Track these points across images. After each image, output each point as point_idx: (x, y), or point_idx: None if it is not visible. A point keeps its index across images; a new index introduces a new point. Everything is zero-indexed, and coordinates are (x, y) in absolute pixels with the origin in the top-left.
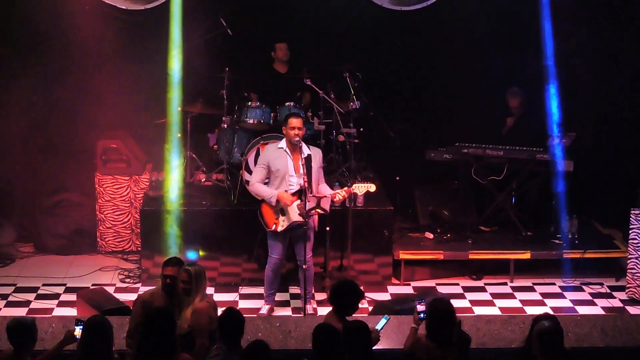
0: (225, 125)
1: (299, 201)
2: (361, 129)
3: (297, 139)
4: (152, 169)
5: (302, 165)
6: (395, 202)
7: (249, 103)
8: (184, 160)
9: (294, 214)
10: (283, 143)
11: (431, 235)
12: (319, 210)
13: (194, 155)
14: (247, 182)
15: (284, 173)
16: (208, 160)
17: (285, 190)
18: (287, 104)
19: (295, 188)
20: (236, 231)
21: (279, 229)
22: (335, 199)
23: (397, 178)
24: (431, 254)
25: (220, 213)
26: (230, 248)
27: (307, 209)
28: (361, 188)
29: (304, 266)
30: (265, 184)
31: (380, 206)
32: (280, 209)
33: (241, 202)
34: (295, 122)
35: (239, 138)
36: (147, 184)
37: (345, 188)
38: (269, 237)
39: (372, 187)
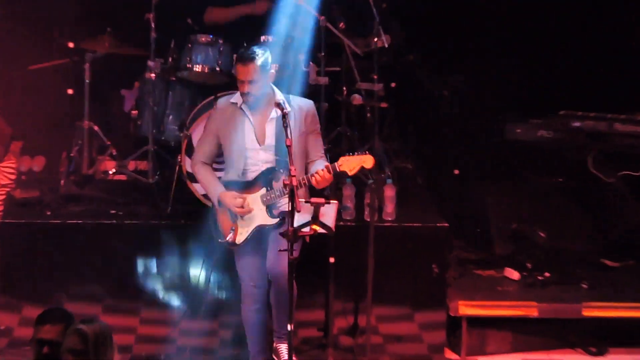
0: (153, 76)
1: (263, 190)
2: (392, 85)
3: (248, 91)
4: (23, 152)
5: (274, 130)
6: (451, 213)
7: (196, 37)
8: (77, 136)
9: (259, 212)
10: (239, 96)
11: (516, 274)
12: (316, 228)
13: (95, 128)
14: (189, 176)
15: (239, 146)
16: (121, 136)
17: (241, 174)
18: (262, 38)
19: (260, 169)
20: (171, 261)
21: (238, 239)
22: (312, 182)
23: (456, 172)
24: (516, 307)
25: (142, 231)
26: (162, 293)
27: (291, 225)
28: (350, 163)
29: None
30: (221, 164)
31: (426, 221)
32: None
33: (179, 211)
34: (242, 69)
35: (176, 98)
36: (13, 176)
37: (324, 165)
38: (235, 255)
39: (368, 161)
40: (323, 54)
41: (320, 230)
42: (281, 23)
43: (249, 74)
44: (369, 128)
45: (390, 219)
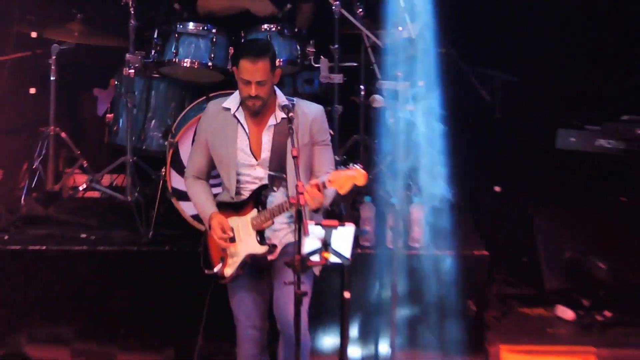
0: (132, 72)
1: (254, 212)
2: (420, 84)
3: (253, 103)
4: None
5: (270, 139)
6: (491, 239)
7: (184, 26)
8: (40, 144)
9: (247, 238)
10: (233, 100)
11: (570, 313)
12: (328, 257)
13: (62, 135)
14: (175, 192)
15: (231, 161)
16: (94, 145)
17: (235, 195)
18: (263, 27)
19: (253, 186)
20: (153, 296)
21: (226, 271)
22: (300, 201)
23: (497, 188)
24: (570, 353)
25: (118, 259)
26: (142, 335)
27: (298, 252)
28: (340, 179)
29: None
30: (216, 178)
31: (461, 248)
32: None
33: (163, 236)
34: (250, 67)
35: (159, 99)
36: None
37: (309, 182)
38: (229, 290)
39: (360, 177)
40: (337, 46)
41: (333, 259)
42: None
43: (258, 73)
44: (392, 136)
45: (417, 245)
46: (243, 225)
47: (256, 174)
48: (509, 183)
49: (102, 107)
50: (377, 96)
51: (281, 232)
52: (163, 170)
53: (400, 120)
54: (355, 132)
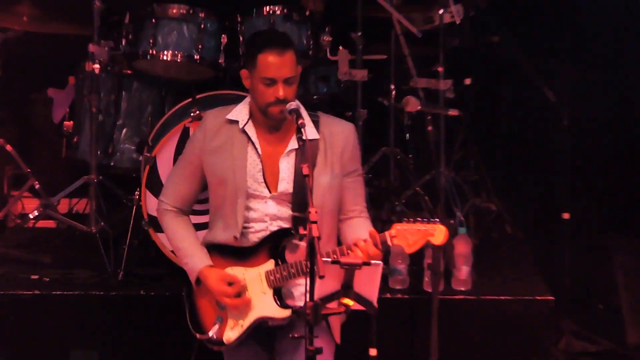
0: (97, 67)
1: (270, 264)
2: (466, 82)
3: (281, 109)
4: None
5: (292, 167)
6: (558, 280)
7: (164, 8)
8: None
9: (261, 297)
10: (241, 110)
11: None
12: (349, 303)
13: (8, 148)
14: (152, 221)
15: (237, 190)
16: (48, 161)
17: (235, 238)
18: (265, 10)
19: (268, 230)
20: (124, 356)
21: (227, 336)
22: (351, 259)
23: (565, 215)
24: None
25: (79, 306)
26: None
27: (311, 297)
28: (409, 236)
29: None
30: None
31: (520, 292)
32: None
33: (137, 277)
34: (277, 60)
35: (132, 102)
36: None
37: (368, 233)
38: (225, 357)
39: (439, 235)
40: (360, 34)
41: (355, 305)
42: None
43: (286, 68)
44: (430, 148)
45: (463, 288)
46: (253, 279)
47: (267, 210)
48: (580, 208)
49: (58, 111)
50: (411, 98)
51: (303, 285)
52: (137, 192)
53: (440, 128)
54: (384, 143)
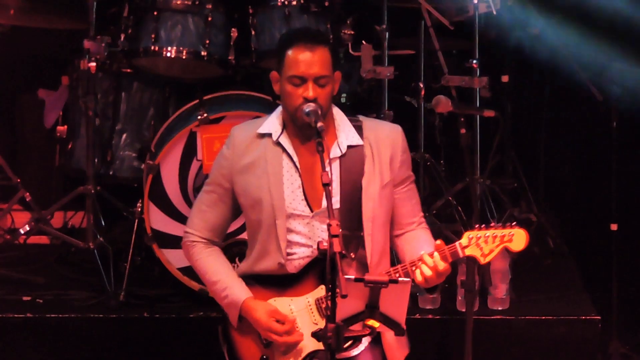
0: (93, 65)
1: (321, 291)
2: (504, 79)
3: (312, 109)
4: None
5: (337, 179)
6: (607, 298)
7: (169, 1)
8: None
9: (312, 330)
10: (272, 122)
11: None
12: (373, 324)
13: None
14: (156, 236)
15: (274, 207)
16: (40, 169)
17: (279, 265)
18: (280, 0)
19: (313, 255)
20: None
21: None
22: (417, 279)
23: (613, 227)
24: None
25: (76, 330)
26: None
27: (332, 319)
28: (482, 245)
29: None
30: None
31: (564, 311)
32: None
33: (139, 298)
34: (307, 56)
35: (132, 104)
36: None
37: (434, 247)
38: None
39: (519, 240)
40: (385, 26)
41: (381, 327)
42: None
43: (317, 66)
44: (463, 153)
45: (500, 308)
46: (301, 310)
47: (310, 231)
48: (629, 218)
49: (50, 115)
50: (442, 97)
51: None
52: (139, 204)
53: (475, 131)
54: (412, 147)
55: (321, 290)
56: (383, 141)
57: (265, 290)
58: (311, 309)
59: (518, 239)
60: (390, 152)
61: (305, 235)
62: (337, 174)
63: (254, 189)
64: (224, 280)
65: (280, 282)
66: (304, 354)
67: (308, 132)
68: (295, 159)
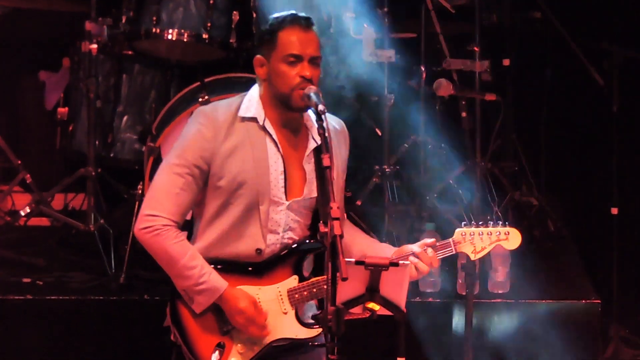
0: (94, 47)
1: (293, 281)
2: (505, 63)
3: (307, 92)
4: None
5: (313, 168)
6: (607, 282)
7: None
8: None
9: (280, 317)
10: (250, 104)
11: None
12: (375, 307)
13: None
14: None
15: (258, 192)
16: (41, 151)
17: (258, 252)
18: None
19: (280, 243)
20: None
21: None
22: (377, 260)
23: (614, 210)
24: None
25: (76, 312)
26: None
27: (332, 302)
28: (474, 242)
29: None
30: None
31: (564, 294)
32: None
33: (138, 280)
34: (302, 36)
35: (134, 86)
36: None
37: (426, 242)
38: None
39: (513, 239)
40: (387, 9)
41: (381, 310)
42: None
43: (312, 46)
44: (465, 137)
45: (501, 291)
46: (268, 297)
47: (281, 219)
48: (630, 202)
49: (51, 97)
50: (443, 80)
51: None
52: (139, 187)
53: (476, 115)
54: (413, 131)
55: (294, 281)
56: (338, 132)
57: (232, 277)
58: (281, 298)
59: (513, 237)
60: (344, 145)
61: (276, 223)
62: (313, 165)
63: (238, 172)
64: (203, 265)
65: (245, 269)
66: (268, 340)
67: (292, 119)
68: (280, 148)
